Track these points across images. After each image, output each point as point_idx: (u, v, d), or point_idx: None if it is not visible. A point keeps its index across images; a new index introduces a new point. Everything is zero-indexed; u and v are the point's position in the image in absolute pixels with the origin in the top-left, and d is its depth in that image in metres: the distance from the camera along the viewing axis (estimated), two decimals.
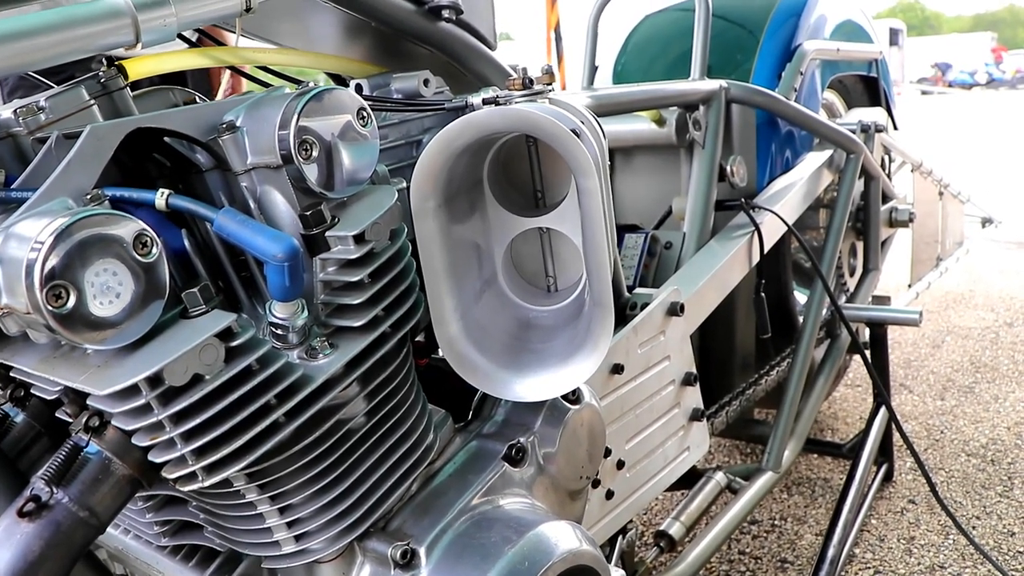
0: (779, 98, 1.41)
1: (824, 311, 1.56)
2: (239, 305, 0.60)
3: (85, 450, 0.54)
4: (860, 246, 1.87)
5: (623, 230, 1.33)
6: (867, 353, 1.61)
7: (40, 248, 0.45)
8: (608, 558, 1.05)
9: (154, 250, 0.49)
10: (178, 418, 0.51)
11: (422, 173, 0.62)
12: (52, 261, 0.45)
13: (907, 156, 2.00)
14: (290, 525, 0.60)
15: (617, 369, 0.93)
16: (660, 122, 1.35)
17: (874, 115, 1.79)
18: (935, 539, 1.49)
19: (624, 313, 1.02)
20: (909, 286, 2.23)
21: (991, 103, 13.90)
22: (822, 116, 1.78)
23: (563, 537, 0.65)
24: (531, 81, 0.74)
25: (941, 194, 2.45)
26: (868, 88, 2.05)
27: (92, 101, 0.61)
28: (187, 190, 0.61)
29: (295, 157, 0.57)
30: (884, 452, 1.70)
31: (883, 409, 1.62)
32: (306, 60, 0.85)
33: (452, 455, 0.71)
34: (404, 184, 0.74)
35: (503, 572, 0.60)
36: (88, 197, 0.52)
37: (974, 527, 1.52)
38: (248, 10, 0.65)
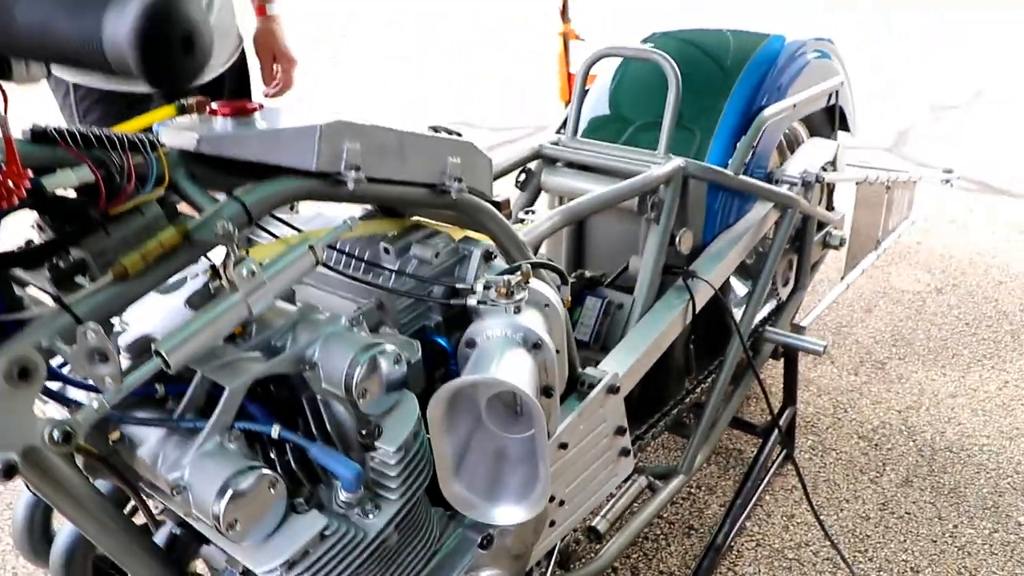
0: (729, 174, 1.70)
1: (750, 331, 1.92)
2: (319, 479, 0.95)
3: None
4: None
5: (586, 287, 1.66)
6: (761, 377, 1.97)
7: (222, 499, 0.80)
8: (551, 554, 1.46)
9: (279, 487, 0.84)
10: None
11: (430, 413, 0.94)
12: (231, 514, 0.80)
13: (851, 178, 2.28)
14: None
15: (563, 446, 1.29)
16: None
17: (821, 155, 2.06)
18: (811, 519, 1.93)
19: (575, 386, 1.38)
20: (842, 278, 2.57)
21: None
22: (775, 158, 2.06)
23: None
24: (512, 292, 1.06)
25: (888, 188, 2.73)
26: (829, 111, 2.29)
27: None
28: (288, 395, 0.95)
29: (355, 398, 0.90)
30: (789, 436, 2.11)
31: (789, 409, 2.03)
32: (360, 227, 1.14)
33: (445, 540, 1.09)
34: (419, 353, 1.07)
35: None
36: (232, 436, 0.86)
37: (843, 509, 1.95)
38: (317, 264, 0.95)
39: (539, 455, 0.97)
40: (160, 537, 1.00)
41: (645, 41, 2.12)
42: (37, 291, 0.89)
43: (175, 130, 0.90)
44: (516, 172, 1.82)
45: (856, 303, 3.08)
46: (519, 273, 1.09)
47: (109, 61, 0.51)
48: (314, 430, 0.94)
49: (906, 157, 4.96)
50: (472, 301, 1.08)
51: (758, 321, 2.10)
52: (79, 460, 0.88)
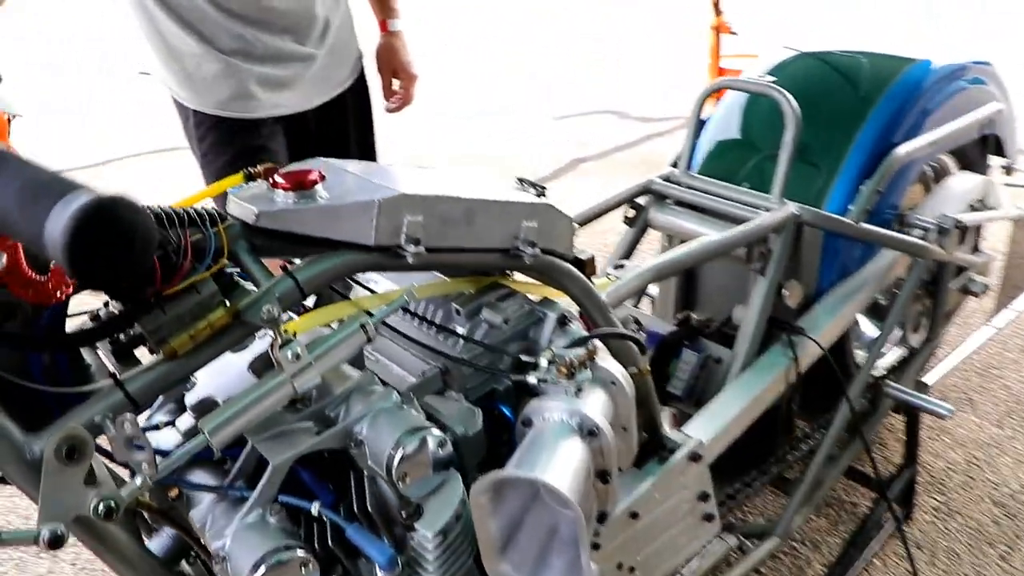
0: (848, 223, 1.57)
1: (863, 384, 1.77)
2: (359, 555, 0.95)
3: None
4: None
5: (687, 336, 1.58)
6: (871, 442, 1.81)
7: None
8: None
9: (311, 567, 0.85)
10: None
11: (473, 500, 0.92)
12: None
13: (1001, 217, 2.05)
14: None
15: (634, 515, 1.24)
16: None
17: (966, 193, 1.87)
18: None
19: (657, 450, 1.32)
20: (988, 321, 2.32)
21: None
22: (917, 192, 1.88)
23: None
24: (574, 372, 1.02)
25: None
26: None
27: None
28: (336, 471, 0.96)
29: (395, 480, 0.90)
30: (906, 500, 1.95)
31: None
32: (428, 289, 1.13)
33: None
34: (480, 423, 1.05)
35: None
36: (273, 509, 0.88)
37: None
38: (369, 341, 0.94)
39: (581, 550, 0.94)
40: None
41: (782, 66, 1.96)
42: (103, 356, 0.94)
43: (238, 202, 0.92)
44: (625, 207, 1.76)
45: (1011, 340, 2.79)
46: (584, 350, 1.05)
47: (50, 255, 0.52)
48: (355, 506, 0.95)
49: None
50: (532, 379, 1.05)
51: (882, 371, 1.94)
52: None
